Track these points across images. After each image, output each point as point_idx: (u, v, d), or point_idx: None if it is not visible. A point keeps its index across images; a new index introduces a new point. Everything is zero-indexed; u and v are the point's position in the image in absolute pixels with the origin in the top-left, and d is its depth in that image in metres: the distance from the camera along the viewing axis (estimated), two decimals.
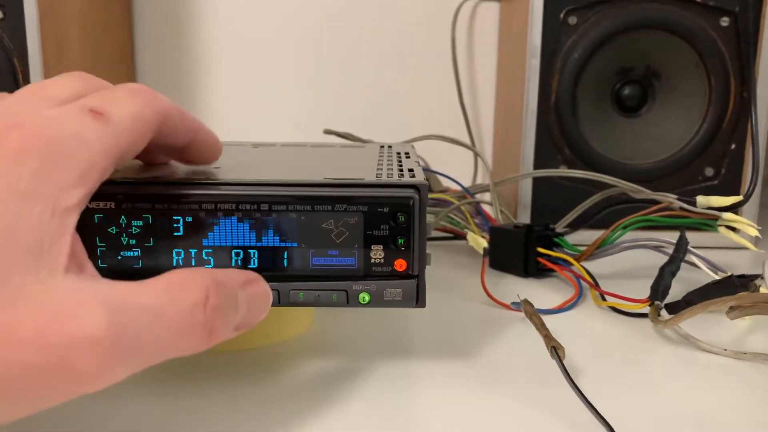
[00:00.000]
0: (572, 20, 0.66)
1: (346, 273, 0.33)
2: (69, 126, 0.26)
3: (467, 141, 0.90)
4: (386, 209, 0.33)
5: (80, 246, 0.26)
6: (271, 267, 0.33)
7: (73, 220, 0.25)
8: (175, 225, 0.33)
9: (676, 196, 0.54)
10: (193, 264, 0.33)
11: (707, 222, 0.53)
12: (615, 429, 0.30)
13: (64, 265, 0.24)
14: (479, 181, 0.92)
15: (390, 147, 0.52)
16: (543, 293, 0.53)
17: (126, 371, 0.24)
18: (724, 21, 0.65)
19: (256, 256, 0.33)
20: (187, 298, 0.26)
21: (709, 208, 0.52)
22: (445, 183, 0.76)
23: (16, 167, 0.23)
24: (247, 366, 0.39)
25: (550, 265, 0.56)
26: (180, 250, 0.33)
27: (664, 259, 0.51)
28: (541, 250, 0.56)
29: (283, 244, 0.33)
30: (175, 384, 0.36)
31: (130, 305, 0.24)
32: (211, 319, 0.26)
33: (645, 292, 0.47)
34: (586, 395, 0.32)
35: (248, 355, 0.40)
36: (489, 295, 0.50)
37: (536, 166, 0.68)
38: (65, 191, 0.24)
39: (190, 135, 0.33)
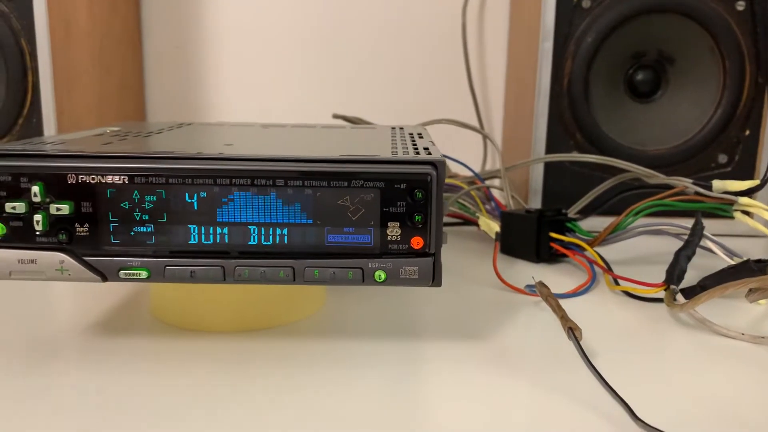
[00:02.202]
0: (586, 3, 0.65)
1: (362, 251, 0.33)
2: None
3: (477, 126, 0.89)
4: (403, 186, 0.32)
5: None
6: (286, 244, 0.33)
7: None
8: (189, 200, 0.32)
9: (691, 181, 0.53)
10: (210, 241, 0.33)
11: (722, 207, 0.52)
12: (634, 410, 0.30)
13: None
14: (489, 166, 0.91)
15: (402, 128, 0.52)
16: (555, 278, 0.53)
17: None
18: (740, 5, 0.64)
19: (271, 232, 0.33)
20: None
21: (725, 192, 0.52)
22: (455, 168, 0.75)
23: None
24: (260, 346, 0.38)
25: (562, 250, 0.55)
26: (194, 226, 0.33)
27: (678, 244, 0.50)
28: (553, 235, 0.56)
29: (298, 221, 0.33)
30: (188, 364, 0.36)
31: None
32: None
33: (659, 278, 0.47)
34: (603, 376, 0.32)
35: (262, 334, 0.40)
36: (501, 279, 0.49)
37: (548, 151, 0.67)
38: None
39: None
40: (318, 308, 0.44)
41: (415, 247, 0.33)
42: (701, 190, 0.52)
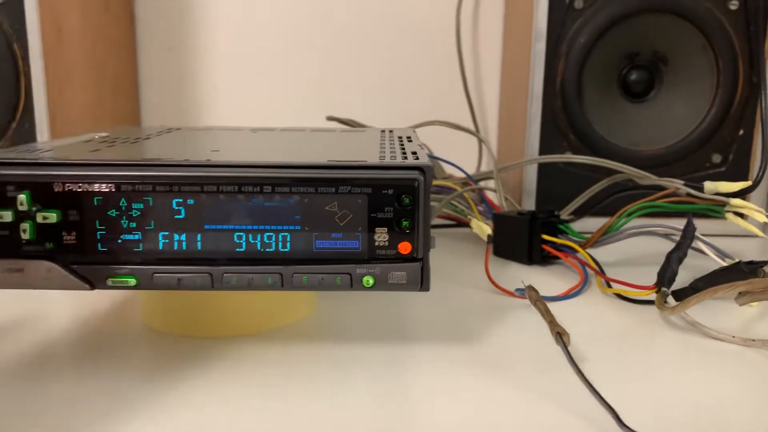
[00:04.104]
0: (578, 4, 0.65)
1: (350, 256, 0.33)
2: None
3: (471, 128, 0.89)
4: (391, 191, 0.32)
5: None
6: (274, 250, 0.33)
7: None
8: (176, 207, 0.32)
9: (682, 182, 0.53)
10: (197, 248, 0.33)
11: (715, 208, 0.52)
12: (620, 415, 0.30)
13: None
14: (484, 168, 0.91)
15: (391, 131, 0.52)
16: (547, 280, 0.52)
17: None
18: (733, 4, 0.64)
19: (258, 239, 0.33)
20: None
21: (717, 193, 0.52)
22: (449, 170, 0.75)
23: None
24: (251, 350, 0.38)
25: (554, 252, 0.55)
26: (181, 233, 0.33)
27: (670, 246, 0.50)
28: (545, 237, 0.56)
29: (286, 227, 0.33)
30: (177, 368, 0.36)
31: None
32: None
33: (651, 279, 0.47)
34: (590, 381, 0.32)
35: (251, 339, 0.40)
36: (493, 282, 0.49)
37: (541, 152, 0.67)
38: None
39: None
40: (309, 312, 0.44)
41: (403, 252, 0.33)
42: (693, 192, 0.52)
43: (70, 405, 0.32)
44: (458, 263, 0.57)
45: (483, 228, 0.56)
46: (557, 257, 0.56)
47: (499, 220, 0.59)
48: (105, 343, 0.40)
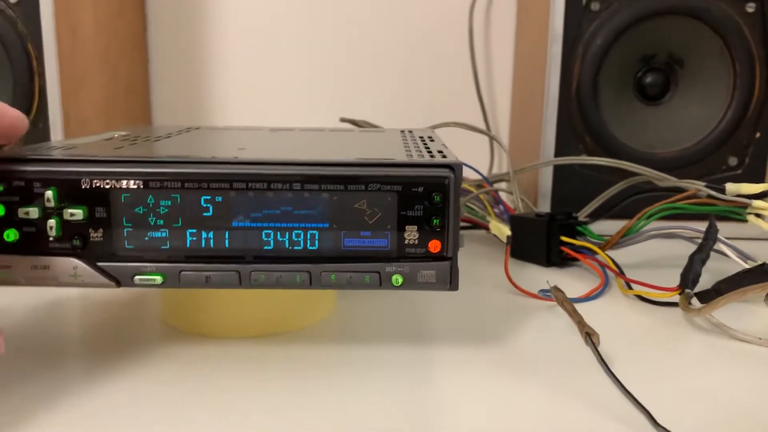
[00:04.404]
0: (595, 6, 0.65)
1: (379, 254, 0.33)
2: None
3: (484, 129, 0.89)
4: (421, 189, 0.32)
5: None
6: (302, 248, 0.32)
7: None
8: (204, 205, 0.32)
9: (704, 184, 0.53)
10: (225, 246, 0.32)
11: (736, 210, 0.52)
12: (653, 415, 0.30)
13: None
14: (495, 170, 0.91)
15: (411, 132, 0.51)
16: (567, 282, 0.52)
17: None
18: (750, 7, 0.64)
19: (287, 237, 0.32)
20: None
21: (739, 195, 0.51)
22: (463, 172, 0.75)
23: None
24: (272, 351, 0.38)
25: (573, 254, 0.55)
26: (209, 231, 0.32)
27: (691, 248, 0.50)
28: (564, 239, 0.55)
29: (314, 225, 0.32)
30: (196, 369, 0.36)
31: None
32: None
33: (672, 281, 0.46)
34: (622, 382, 0.32)
35: (273, 340, 0.39)
36: (513, 284, 0.49)
37: (557, 154, 0.67)
38: None
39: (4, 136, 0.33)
40: (329, 313, 0.44)
41: (433, 250, 0.33)
42: (714, 193, 0.52)
43: (88, 405, 0.32)
44: (476, 265, 0.57)
45: (502, 229, 0.56)
46: (575, 259, 0.55)
47: (517, 221, 0.58)
48: (122, 339, 0.40)
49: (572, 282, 0.52)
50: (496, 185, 0.70)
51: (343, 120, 0.77)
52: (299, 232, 0.32)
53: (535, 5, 0.76)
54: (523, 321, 0.43)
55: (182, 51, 0.92)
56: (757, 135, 0.66)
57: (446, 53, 0.91)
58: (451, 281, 0.33)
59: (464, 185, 0.65)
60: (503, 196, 0.66)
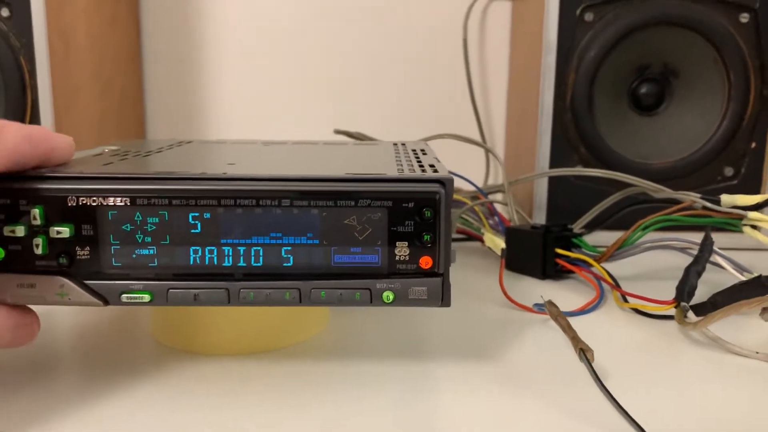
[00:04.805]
0: (589, 17, 0.65)
1: (370, 271, 0.32)
2: None
3: (478, 140, 0.89)
4: (411, 204, 0.32)
5: None
6: (291, 265, 0.32)
7: None
8: (192, 222, 0.32)
9: (699, 195, 0.52)
10: (214, 263, 0.32)
11: (731, 221, 0.51)
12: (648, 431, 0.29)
13: None
14: (491, 180, 0.90)
15: (404, 144, 0.51)
16: (562, 295, 0.52)
17: None
18: (744, 17, 0.64)
19: (276, 253, 0.32)
20: None
21: (734, 207, 0.51)
22: (458, 183, 0.74)
23: None
24: (265, 368, 0.37)
25: (568, 266, 0.54)
26: (197, 248, 0.32)
27: (686, 259, 0.49)
28: (559, 251, 0.55)
29: (304, 242, 0.32)
30: (187, 387, 0.35)
31: None
32: None
33: (668, 294, 0.46)
34: (616, 398, 0.31)
35: (266, 356, 0.39)
36: (508, 297, 0.49)
37: (552, 165, 0.67)
38: None
39: (44, 158, 0.32)
40: (322, 328, 0.43)
41: (424, 266, 0.32)
42: (710, 205, 0.51)
43: (78, 421, 0.31)
44: (471, 277, 0.57)
45: (496, 242, 0.56)
46: (571, 271, 0.55)
47: (512, 233, 0.58)
48: (114, 357, 0.39)
49: (568, 294, 0.52)
50: (491, 196, 0.69)
51: (337, 132, 0.77)
52: (288, 248, 0.32)
53: (530, 16, 0.76)
54: (518, 335, 0.43)
55: (176, 63, 0.92)
56: (753, 145, 0.66)
57: (442, 64, 0.91)
58: (442, 298, 0.33)
59: (459, 197, 0.65)
60: (499, 207, 0.66)
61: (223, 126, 0.93)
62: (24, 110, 0.69)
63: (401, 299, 0.32)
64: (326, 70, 0.92)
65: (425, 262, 0.32)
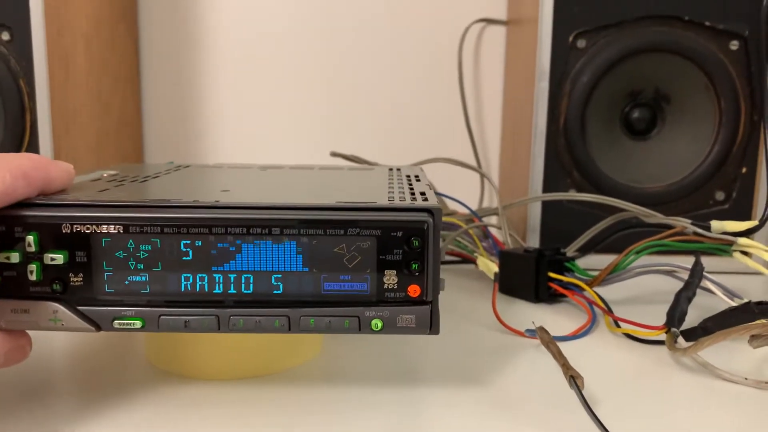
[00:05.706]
0: (581, 43, 0.66)
1: (359, 299, 0.33)
2: None
3: (474, 164, 0.90)
4: (400, 233, 0.32)
5: None
6: (281, 292, 0.32)
7: None
8: (184, 249, 0.32)
9: (689, 221, 0.53)
10: (204, 290, 0.32)
11: (721, 247, 0.52)
12: None
13: None
14: (485, 204, 0.91)
15: (399, 170, 0.52)
16: (555, 319, 0.52)
17: None
18: (734, 44, 0.65)
19: (266, 281, 0.32)
20: None
21: (724, 233, 0.51)
22: (452, 206, 0.75)
23: None
24: (257, 393, 0.38)
25: (561, 290, 0.55)
26: (189, 275, 0.32)
27: (678, 284, 0.50)
28: (552, 275, 0.55)
29: (293, 269, 0.32)
30: (180, 411, 0.35)
31: None
32: None
33: (659, 318, 0.46)
34: (606, 426, 0.31)
35: (259, 381, 0.39)
36: (501, 322, 0.49)
37: (545, 189, 0.67)
38: None
39: (40, 190, 0.33)
40: (315, 354, 0.44)
41: (412, 295, 0.33)
42: (700, 231, 0.52)
43: None
44: (464, 300, 0.57)
45: (489, 266, 0.56)
46: (564, 295, 0.55)
47: (506, 257, 0.58)
48: (108, 380, 0.39)
49: (560, 319, 0.52)
50: (486, 218, 0.70)
51: (333, 154, 0.77)
52: (279, 275, 0.32)
53: (523, 42, 0.77)
54: (510, 360, 0.43)
55: (175, 86, 0.93)
56: (744, 170, 0.67)
57: (437, 89, 0.92)
58: (431, 326, 0.33)
59: (454, 219, 0.65)
60: (493, 230, 0.66)
61: (221, 148, 0.94)
62: (23, 132, 0.70)
63: (390, 327, 0.33)
64: (325, 93, 0.93)
65: (413, 290, 0.32)
